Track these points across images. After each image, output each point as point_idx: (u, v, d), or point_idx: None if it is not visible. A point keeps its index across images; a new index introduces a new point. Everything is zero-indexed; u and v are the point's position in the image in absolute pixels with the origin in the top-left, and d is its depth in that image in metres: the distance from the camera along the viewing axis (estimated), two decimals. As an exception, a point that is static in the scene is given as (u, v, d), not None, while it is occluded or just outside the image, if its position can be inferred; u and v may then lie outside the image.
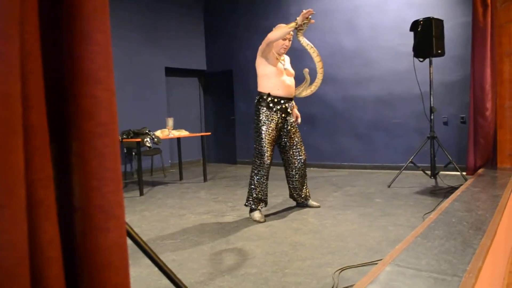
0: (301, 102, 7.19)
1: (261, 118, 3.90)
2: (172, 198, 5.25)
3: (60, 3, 0.94)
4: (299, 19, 3.79)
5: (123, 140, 6.01)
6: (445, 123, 6.18)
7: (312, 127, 7.27)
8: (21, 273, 0.70)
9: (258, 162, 3.90)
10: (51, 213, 0.83)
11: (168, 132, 6.01)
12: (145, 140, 5.66)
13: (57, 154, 0.92)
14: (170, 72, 8.20)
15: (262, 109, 3.91)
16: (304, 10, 3.76)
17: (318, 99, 7.20)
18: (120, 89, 6.15)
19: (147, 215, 4.33)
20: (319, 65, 4.02)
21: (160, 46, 7.83)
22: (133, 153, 7.04)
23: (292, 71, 4.10)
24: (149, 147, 5.72)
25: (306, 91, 4.17)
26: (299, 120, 4.14)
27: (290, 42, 4.02)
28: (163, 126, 6.41)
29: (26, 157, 0.76)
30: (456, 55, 5.95)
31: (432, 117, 5.15)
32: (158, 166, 7.63)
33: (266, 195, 3.99)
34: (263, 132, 3.87)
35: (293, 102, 4.09)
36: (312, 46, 4.02)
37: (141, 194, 5.47)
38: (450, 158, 4.99)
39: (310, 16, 3.84)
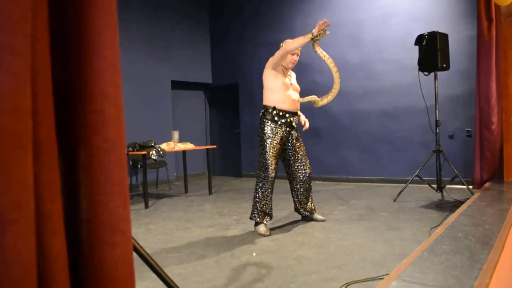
0: (306, 115, 7.21)
1: (265, 131, 3.92)
2: (177, 211, 5.25)
3: (70, 20, 0.95)
4: (315, 31, 3.81)
5: (129, 153, 6.03)
6: (451, 137, 6.16)
7: (317, 140, 7.27)
8: (29, 286, 0.71)
9: (263, 175, 3.91)
10: (58, 227, 0.84)
11: (173, 145, 6.03)
12: (151, 153, 5.68)
13: (65, 168, 0.93)
14: (176, 85, 8.26)
15: (267, 122, 3.93)
16: (320, 22, 3.77)
17: (323, 112, 7.21)
18: (126, 101, 6.19)
19: (152, 228, 4.33)
20: (336, 75, 4.01)
21: (166, 60, 7.90)
22: (139, 166, 7.06)
23: (298, 87, 4.14)
24: (155, 160, 5.74)
25: (323, 101, 4.14)
26: (307, 125, 4.16)
27: (298, 56, 4.05)
28: (168, 138, 6.43)
29: (34, 172, 0.77)
30: (461, 69, 5.96)
31: (437, 131, 5.13)
32: (163, 178, 7.64)
33: (271, 209, 3.98)
34: (267, 145, 3.89)
35: (297, 115, 4.12)
36: (329, 57, 4.03)
37: (146, 206, 5.48)
38: (456, 172, 4.96)
39: (325, 28, 3.85)
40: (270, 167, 3.87)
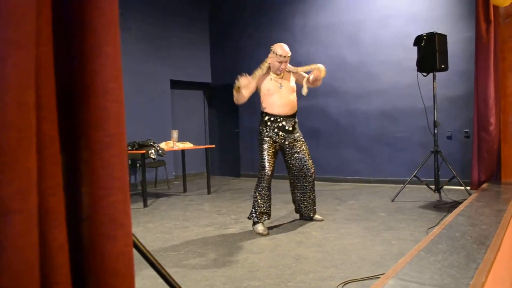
0: (304, 116, 7.26)
1: (261, 135, 4.04)
2: (176, 210, 5.26)
3: (73, 17, 0.97)
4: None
5: (128, 151, 6.04)
6: (449, 138, 6.18)
7: (315, 141, 7.29)
8: (31, 277, 0.72)
9: (260, 174, 3.97)
10: (60, 220, 0.85)
11: (172, 144, 6.04)
12: (150, 152, 5.69)
13: (67, 162, 0.95)
14: (175, 84, 8.27)
15: (261, 127, 4.07)
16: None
17: (321, 112, 7.24)
18: (126, 100, 6.17)
19: (151, 227, 4.34)
20: (312, 66, 4.08)
21: (165, 59, 7.91)
22: (138, 165, 7.07)
23: (293, 86, 4.12)
24: (154, 159, 5.75)
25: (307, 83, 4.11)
26: (312, 76, 4.00)
27: (286, 64, 4.02)
28: (167, 138, 6.44)
29: (38, 165, 0.78)
30: (459, 70, 5.98)
31: (435, 131, 5.16)
32: (162, 178, 7.65)
33: (269, 208, 4.00)
34: (264, 147, 4.00)
35: (295, 118, 4.11)
36: (307, 67, 4.11)
37: (145, 205, 5.49)
38: (454, 173, 4.98)
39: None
40: (266, 165, 3.94)
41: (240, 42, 8.45)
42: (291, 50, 4.07)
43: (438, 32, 5.06)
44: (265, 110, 4.05)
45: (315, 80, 4.03)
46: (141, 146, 5.96)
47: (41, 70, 0.83)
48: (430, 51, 4.99)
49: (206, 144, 8.74)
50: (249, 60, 8.19)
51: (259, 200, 3.94)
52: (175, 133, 6.12)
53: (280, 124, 4.02)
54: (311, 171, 4.15)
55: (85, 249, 0.91)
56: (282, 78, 4.07)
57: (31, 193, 0.72)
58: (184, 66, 8.31)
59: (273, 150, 4.01)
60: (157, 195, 6.50)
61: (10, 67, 0.72)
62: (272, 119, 4.01)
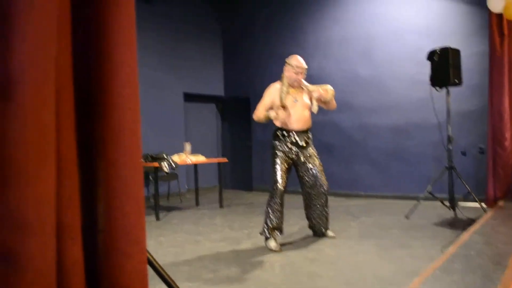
0: (318, 130, 7.23)
1: (274, 149, 4.05)
2: (188, 224, 5.26)
3: (91, 39, 0.99)
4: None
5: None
6: (463, 153, 6.11)
7: (328, 155, 7.25)
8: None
9: (272, 189, 3.95)
10: (76, 236, 0.86)
11: (185, 157, 6.07)
12: (163, 165, 5.72)
13: (84, 178, 0.96)
14: (189, 97, 8.34)
15: (275, 141, 4.07)
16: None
17: (334, 127, 7.22)
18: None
19: (163, 241, 4.34)
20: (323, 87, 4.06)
21: (179, 72, 8.00)
22: (150, 178, 7.10)
23: (307, 102, 4.09)
24: (167, 172, 5.77)
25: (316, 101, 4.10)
26: (316, 94, 3.99)
27: (303, 75, 4.04)
28: (180, 150, 6.47)
29: (56, 183, 0.79)
30: (473, 84, 5.93)
31: (449, 147, 5.09)
32: (174, 191, 7.67)
33: (282, 223, 3.97)
34: (277, 161, 3.99)
35: (308, 133, 4.11)
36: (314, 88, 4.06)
37: (157, 219, 5.50)
38: (469, 189, 4.90)
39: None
40: (279, 181, 3.92)
41: (253, 56, 8.50)
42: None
43: (452, 46, 5.03)
44: (278, 125, 4.06)
45: (319, 99, 4.02)
46: (154, 159, 5.99)
47: (61, 92, 0.85)
48: (443, 65, 4.96)
49: (218, 157, 8.74)
50: (262, 74, 8.23)
51: (271, 215, 3.91)
52: (187, 146, 6.15)
53: (293, 139, 4.01)
54: (325, 188, 4.10)
55: (100, 265, 0.92)
56: (296, 93, 4.06)
57: (50, 212, 0.73)
58: (197, 79, 8.38)
59: (286, 165, 3.99)
60: (169, 209, 6.51)
61: (29, 87, 0.73)
62: (285, 133, 4.02)
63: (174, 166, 5.83)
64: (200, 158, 6.32)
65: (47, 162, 0.73)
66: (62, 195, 0.80)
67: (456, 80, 4.98)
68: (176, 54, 7.98)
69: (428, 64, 5.23)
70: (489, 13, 5.04)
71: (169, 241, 4.31)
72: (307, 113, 4.09)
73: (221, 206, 6.46)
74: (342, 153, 7.23)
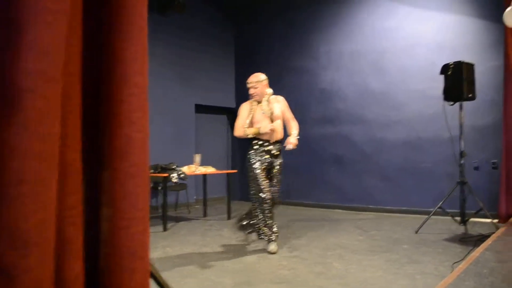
0: (329, 143, 7.20)
1: (251, 160, 4.30)
2: (195, 235, 5.24)
3: (103, 47, 0.98)
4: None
5: (151, 174, 6.08)
6: (476, 168, 6.02)
7: (339, 169, 7.21)
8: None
9: (260, 199, 4.16)
10: (78, 250, 0.85)
11: (195, 168, 6.07)
12: (172, 175, 5.72)
13: (89, 192, 0.95)
14: (200, 109, 8.37)
15: (251, 151, 4.33)
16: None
17: (346, 140, 7.17)
18: (150, 124, 6.28)
19: (169, 251, 4.32)
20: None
21: (190, 83, 8.04)
22: (159, 188, 7.11)
23: (278, 114, 4.37)
24: (176, 183, 5.78)
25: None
26: (288, 146, 4.29)
27: (255, 89, 4.44)
28: (190, 161, 6.47)
29: (59, 195, 0.78)
30: (487, 99, 5.86)
31: (462, 162, 5.02)
32: (183, 201, 7.66)
33: (275, 226, 4.26)
34: (257, 172, 4.20)
35: (279, 145, 4.36)
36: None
37: (165, 229, 5.48)
38: (481, 205, 4.81)
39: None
40: (264, 189, 4.16)
41: (264, 68, 8.50)
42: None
43: (465, 60, 4.98)
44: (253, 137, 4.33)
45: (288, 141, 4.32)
46: (163, 169, 6.01)
47: (68, 100, 0.84)
48: (457, 80, 4.90)
49: (228, 169, 8.75)
50: (274, 87, 8.22)
51: (266, 221, 4.19)
52: (197, 157, 6.15)
53: (266, 149, 4.30)
54: (276, 194, 4.39)
55: (102, 280, 0.90)
56: (267, 106, 4.39)
57: (50, 225, 0.72)
58: (208, 91, 8.42)
59: (264, 173, 4.25)
60: (177, 219, 6.49)
61: (38, 99, 0.73)
62: (259, 143, 4.31)
63: (183, 177, 5.84)
64: (209, 169, 6.31)
65: (50, 174, 0.73)
66: (65, 209, 0.79)
67: (470, 95, 4.92)
68: (189, 65, 8.04)
69: (441, 79, 5.19)
70: (505, 27, 5.00)
71: (176, 252, 4.29)
72: (277, 124, 4.33)
73: (229, 217, 6.43)
74: (354, 166, 7.16)
